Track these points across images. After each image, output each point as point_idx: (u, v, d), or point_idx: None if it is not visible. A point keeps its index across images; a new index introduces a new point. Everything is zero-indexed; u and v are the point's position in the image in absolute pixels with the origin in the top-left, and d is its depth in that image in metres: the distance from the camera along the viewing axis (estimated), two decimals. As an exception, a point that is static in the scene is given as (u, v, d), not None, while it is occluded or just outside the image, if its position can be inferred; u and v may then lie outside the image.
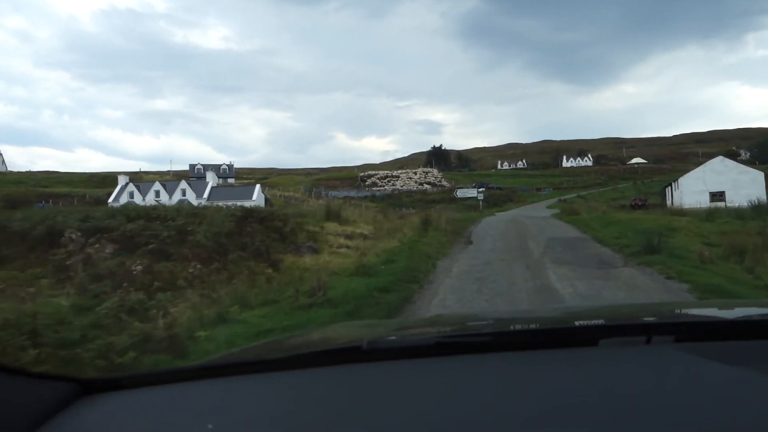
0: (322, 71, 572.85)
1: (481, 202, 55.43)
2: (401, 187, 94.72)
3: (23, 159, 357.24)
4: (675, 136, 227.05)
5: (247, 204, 61.28)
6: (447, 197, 79.55)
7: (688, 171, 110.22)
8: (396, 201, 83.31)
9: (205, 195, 61.52)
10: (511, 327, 1.65)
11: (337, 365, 1.23)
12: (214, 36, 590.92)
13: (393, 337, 1.52)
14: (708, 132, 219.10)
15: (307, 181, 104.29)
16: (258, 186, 65.47)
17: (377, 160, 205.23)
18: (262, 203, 63.51)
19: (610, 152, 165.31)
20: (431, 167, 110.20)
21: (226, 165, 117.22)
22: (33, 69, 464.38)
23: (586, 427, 0.89)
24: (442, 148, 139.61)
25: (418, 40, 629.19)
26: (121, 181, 65.87)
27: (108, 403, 1.15)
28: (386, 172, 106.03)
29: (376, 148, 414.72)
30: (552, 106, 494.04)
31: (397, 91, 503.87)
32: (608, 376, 1.09)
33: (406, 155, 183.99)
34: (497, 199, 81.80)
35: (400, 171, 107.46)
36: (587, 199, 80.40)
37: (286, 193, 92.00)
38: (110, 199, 61.08)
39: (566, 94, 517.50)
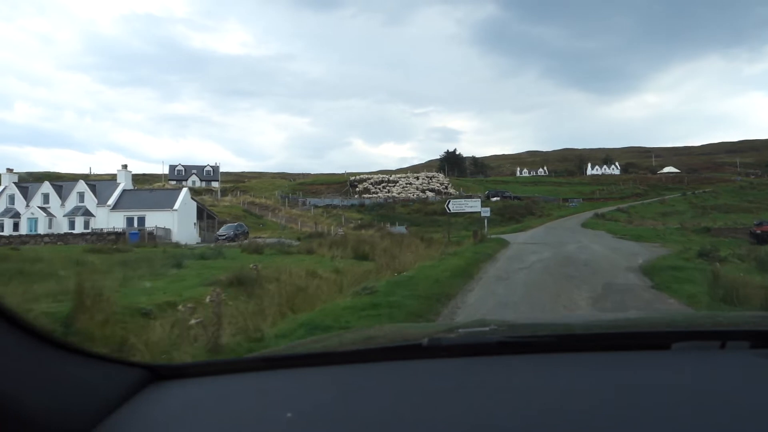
0: (339, 77, 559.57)
1: (486, 221, 36.34)
2: (398, 194, 77.27)
3: (46, 161, 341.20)
4: (704, 146, 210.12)
5: (166, 214, 43.60)
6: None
7: (733, 181, 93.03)
8: (389, 211, 66.12)
9: (110, 201, 45.31)
10: (577, 331, 1.53)
11: (399, 360, 1.25)
12: (231, 41, 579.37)
13: (453, 335, 1.52)
14: (739, 142, 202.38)
15: (286, 186, 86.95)
16: (185, 190, 48.29)
17: (394, 167, 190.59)
18: (190, 214, 46.03)
19: (635, 161, 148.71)
20: (443, 173, 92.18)
21: (211, 166, 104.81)
22: (55, 71, 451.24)
23: (660, 428, 0.86)
24: (456, 153, 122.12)
25: (434, 47, 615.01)
26: (4, 181, 48.18)
27: (179, 390, 1.16)
28: (382, 176, 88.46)
29: (393, 154, 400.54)
30: (572, 114, 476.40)
31: (414, 98, 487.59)
32: (682, 379, 1.04)
33: (423, 162, 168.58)
34: (513, 212, 64.44)
35: (399, 175, 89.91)
36: (631, 214, 63.46)
37: (257, 200, 74.35)
38: (-19, 204, 44.08)
39: (586, 103, 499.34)
